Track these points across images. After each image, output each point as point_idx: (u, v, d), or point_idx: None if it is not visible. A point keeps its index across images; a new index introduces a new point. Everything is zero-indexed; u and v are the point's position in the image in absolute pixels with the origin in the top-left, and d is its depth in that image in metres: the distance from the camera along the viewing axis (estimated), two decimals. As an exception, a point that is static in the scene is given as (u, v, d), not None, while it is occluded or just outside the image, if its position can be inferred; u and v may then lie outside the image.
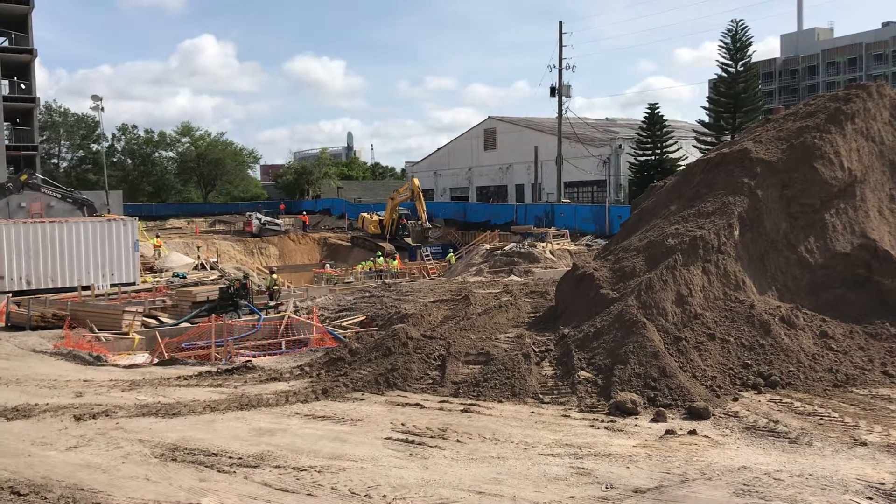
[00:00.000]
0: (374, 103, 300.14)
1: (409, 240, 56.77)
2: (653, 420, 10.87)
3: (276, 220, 67.92)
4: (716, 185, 16.46)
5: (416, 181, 58.20)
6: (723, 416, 10.98)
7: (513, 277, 32.89)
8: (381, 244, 55.65)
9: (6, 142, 54.05)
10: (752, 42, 54.22)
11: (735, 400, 11.64)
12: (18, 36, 55.62)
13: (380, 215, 60.66)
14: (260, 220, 66.03)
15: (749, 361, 12.74)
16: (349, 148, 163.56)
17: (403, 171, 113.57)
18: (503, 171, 74.13)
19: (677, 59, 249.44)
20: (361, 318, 23.67)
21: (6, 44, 55.17)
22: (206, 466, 9.22)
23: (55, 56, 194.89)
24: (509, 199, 71.83)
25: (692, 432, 10.18)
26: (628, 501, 7.87)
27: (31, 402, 12.96)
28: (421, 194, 56.90)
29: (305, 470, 9.00)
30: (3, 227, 32.14)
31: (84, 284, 32.03)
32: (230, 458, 9.54)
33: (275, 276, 31.08)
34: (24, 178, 45.02)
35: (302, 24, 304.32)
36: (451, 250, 51.32)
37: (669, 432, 10.19)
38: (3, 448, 10.11)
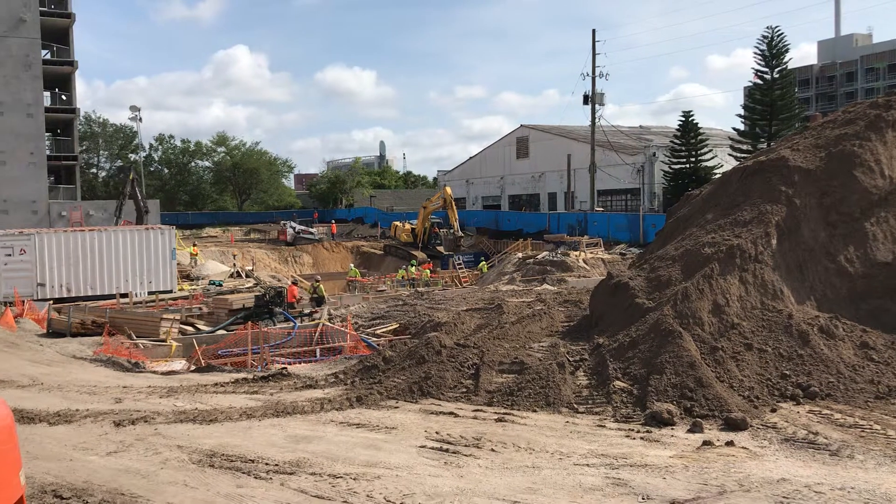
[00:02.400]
0: (404, 113, 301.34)
1: (441, 248, 56.83)
2: (689, 431, 10.77)
3: (310, 229, 68.43)
4: (753, 193, 16.28)
5: (449, 190, 58.27)
6: (761, 427, 10.83)
7: (546, 286, 32.79)
8: (413, 252, 55.79)
9: (47, 152, 55.15)
10: (788, 48, 53.64)
11: (773, 411, 11.48)
12: (60, 48, 56.81)
13: (412, 224, 60.81)
14: (294, 228, 66.57)
15: (787, 372, 12.56)
16: (381, 157, 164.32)
17: (436, 179, 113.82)
18: (536, 180, 73.97)
19: (710, 67, 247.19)
20: (395, 326, 23.76)
21: (48, 56, 56.35)
22: (243, 473, 9.31)
23: (92, 67, 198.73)
24: (542, 207, 71.63)
25: (730, 443, 10.06)
26: (665, 513, 7.80)
27: (72, 408, 13.20)
28: (453, 203, 56.96)
29: (341, 477, 9.05)
30: (44, 236, 32.80)
31: (122, 292, 32.55)
32: (267, 464, 9.63)
33: (318, 283, 31.67)
34: (132, 177, 47.45)
35: (332, 35, 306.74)
36: (483, 259, 51.23)
37: (706, 443, 10.09)
38: (45, 452, 10.31)
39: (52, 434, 11.46)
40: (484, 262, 49.44)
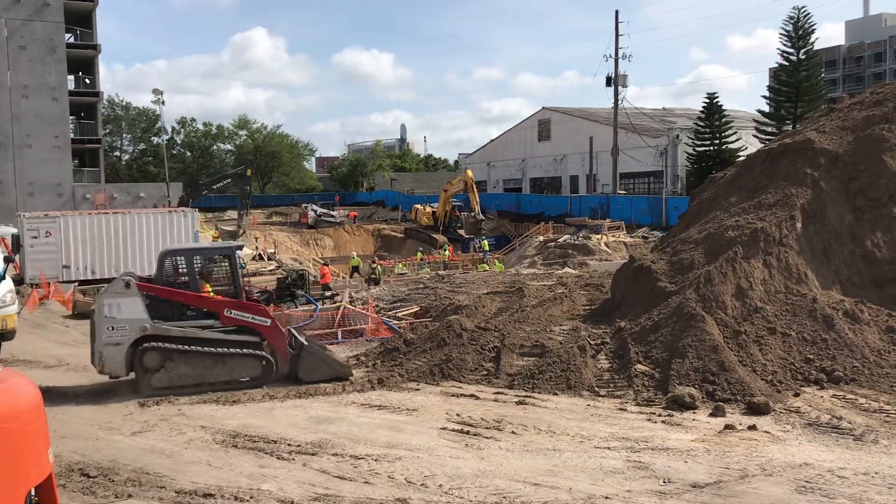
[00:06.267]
0: (422, 95, 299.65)
1: (462, 231, 56.73)
2: (711, 414, 10.74)
3: (332, 212, 68.59)
4: (777, 176, 16.10)
5: (470, 173, 58.08)
6: (784, 411, 10.78)
7: (567, 270, 32.65)
8: (434, 236, 55.76)
9: (71, 135, 55.60)
10: (814, 29, 52.63)
11: (796, 395, 11.41)
12: (83, 32, 57.09)
13: (433, 207, 60.74)
14: (315, 211, 66.76)
15: (811, 356, 12.46)
16: (402, 140, 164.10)
17: (456, 162, 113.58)
18: (557, 163, 73.53)
19: (730, 47, 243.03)
20: (416, 308, 23.76)
21: (72, 40, 56.65)
22: (266, 453, 9.42)
23: (112, 50, 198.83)
24: (563, 190, 71.22)
25: (752, 427, 10.02)
26: (686, 496, 7.79)
27: (97, 388, 13.41)
28: (474, 186, 56.75)
29: (362, 458, 9.12)
30: (69, 218, 33.13)
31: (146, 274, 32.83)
32: (289, 445, 9.72)
33: (376, 265, 32.59)
34: (249, 172, 53.60)
35: (349, 17, 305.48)
36: (484, 240, 51.03)
37: (728, 427, 10.05)
38: (72, 431, 10.47)
39: (78, 414, 11.64)
40: (485, 241, 49.45)
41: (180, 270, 13.97)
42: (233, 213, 77.43)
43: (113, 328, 13.03)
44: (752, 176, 16.95)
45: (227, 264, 14.34)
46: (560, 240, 42.30)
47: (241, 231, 53.53)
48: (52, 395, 12.41)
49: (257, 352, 13.46)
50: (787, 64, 54.05)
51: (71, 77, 56.75)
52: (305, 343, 14.05)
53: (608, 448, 9.39)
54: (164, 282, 13.68)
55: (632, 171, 62.63)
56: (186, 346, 13.10)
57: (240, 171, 58.67)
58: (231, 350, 13.28)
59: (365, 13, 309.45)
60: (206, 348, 13.14)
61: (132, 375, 13.31)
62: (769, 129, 52.96)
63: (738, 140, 54.97)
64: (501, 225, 62.03)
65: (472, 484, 8.19)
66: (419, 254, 47.01)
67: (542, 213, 59.70)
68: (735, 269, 13.98)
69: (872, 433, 9.62)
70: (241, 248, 15.12)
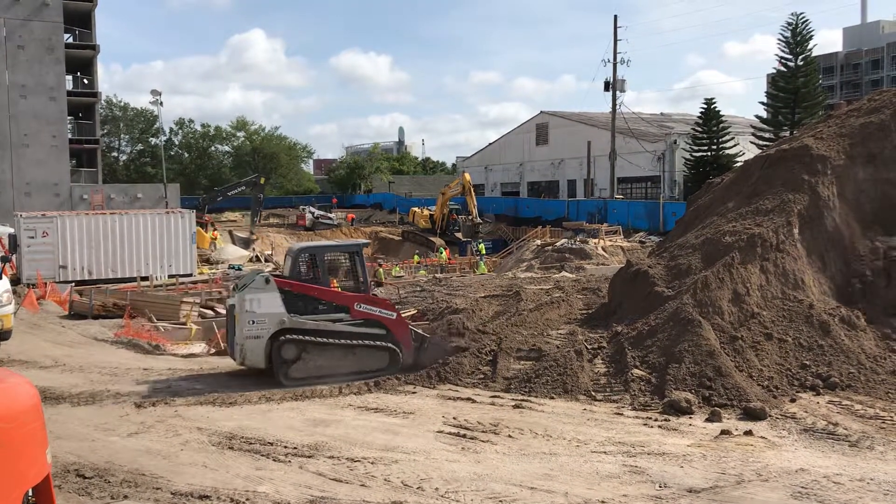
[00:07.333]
0: (420, 98, 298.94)
1: (459, 235, 56.75)
2: (708, 420, 10.75)
3: (329, 214, 68.63)
4: (775, 181, 16.14)
5: (467, 176, 58.11)
6: (780, 417, 10.80)
7: (564, 274, 32.68)
8: (431, 239, 55.78)
9: (69, 135, 55.50)
10: (812, 36, 52.82)
11: (792, 401, 11.43)
12: (82, 32, 57.03)
13: (430, 210, 60.77)
14: (313, 213, 66.80)
15: (807, 362, 12.49)
16: (400, 143, 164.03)
17: (454, 165, 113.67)
18: (555, 167, 73.62)
19: (727, 53, 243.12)
20: (413, 311, 23.77)
21: (70, 40, 56.57)
22: (262, 455, 9.41)
23: (110, 50, 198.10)
24: (561, 194, 71.28)
25: (748, 433, 10.04)
26: (682, 501, 7.80)
27: (94, 389, 13.39)
28: (472, 189, 56.80)
29: (359, 461, 9.12)
30: (66, 218, 33.10)
31: (143, 275, 32.81)
32: (285, 447, 9.72)
33: (379, 267, 32.59)
34: (262, 181, 56.66)
35: (346, 19, 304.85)
36: (482, 242, 51.27)
37: (725, 432, 10.07)
38: (68, 432, 10.45)
39: (74, 414, 11.62)
40: (481, 245, 49.74)
41: (310, 266, 14.65)
42: (231, 215, 77.53)
43: (253, 322, 13.69)
44: (750, 182, 16.99)
45: (349, 261, 14.98)
46: (557, 244, 42.33)
47: (255, 237, 54.24)
48: (49, 396, 12.39)
49: (385, 343, 14.19)
50: (784, 70, 54.24)
51: (69, 77, 56.65)
52: (427, 335, 14.88)
53: (604, 452, 9.40)
54: (297, 277, 14.33)
55: (629, 176, 62.75)
56: (322, 339, 13.86)
57: (254, 178, 60.49)
58: (361, 342, 14.08)
59: (362, 16, 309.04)
60: (339, 340, 13.93)
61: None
62: (767, 135, 53.08)
63: (735, 145, 55.12)
64: (499, 228, 62.05)
65: (468, 487, 8.19)
66: (416, 257, 47.07)
67: (539, 217, 59.72)
68: (732, 274, 14.01)
69: (868, 439, 9.65)
70: (367, 245, 16.04)
